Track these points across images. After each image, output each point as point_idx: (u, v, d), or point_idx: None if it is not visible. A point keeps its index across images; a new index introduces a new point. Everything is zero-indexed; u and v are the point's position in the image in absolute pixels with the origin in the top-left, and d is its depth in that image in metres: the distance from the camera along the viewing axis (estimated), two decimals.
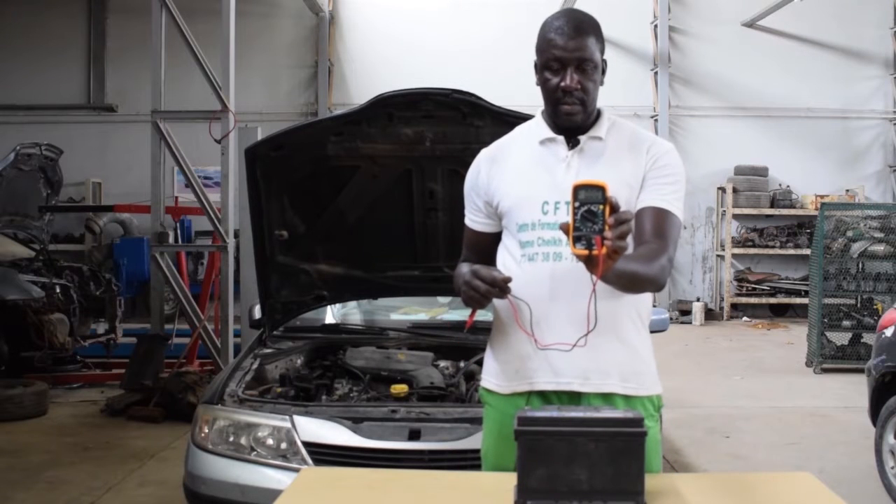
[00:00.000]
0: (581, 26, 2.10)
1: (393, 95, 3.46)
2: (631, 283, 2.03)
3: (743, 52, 13.48)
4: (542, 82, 2.15)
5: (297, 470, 2.78)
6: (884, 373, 4.86)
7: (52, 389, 6.89)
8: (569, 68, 2.09)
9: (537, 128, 2.23)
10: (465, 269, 2.24)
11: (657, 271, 2.03)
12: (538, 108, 2.30)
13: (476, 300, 2.06)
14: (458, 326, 4.54)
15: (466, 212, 2.35)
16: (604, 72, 2.16)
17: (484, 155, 2.32)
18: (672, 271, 2.26)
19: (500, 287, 2.03)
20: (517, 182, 2.20)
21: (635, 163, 2.17)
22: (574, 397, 2.15)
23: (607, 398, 2.15)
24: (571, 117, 2.14)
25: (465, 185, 2.35)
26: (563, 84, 2.10)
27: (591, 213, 1.74)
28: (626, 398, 2.16)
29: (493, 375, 2.27)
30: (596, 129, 2.18)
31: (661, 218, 2.13)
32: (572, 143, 2.18)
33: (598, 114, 2.21)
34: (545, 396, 2.17)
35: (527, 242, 2.16)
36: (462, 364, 4.07)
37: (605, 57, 2.16)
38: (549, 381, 2.15)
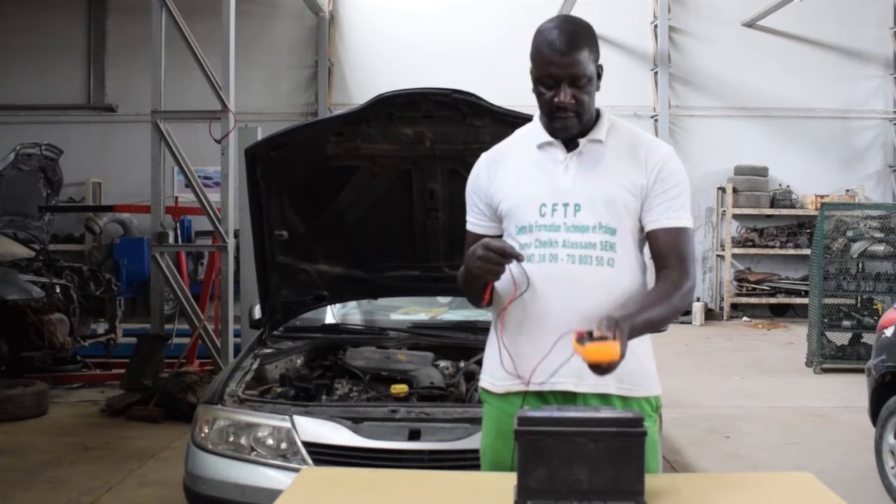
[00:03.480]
0: (574, 40, 2.07)
1: (393, 95, 3.46)
2: (655, 328, 2.12)
3: (743, 52, 13.48)
4: (537, 94, 2.15)
5: (297, 470, 2.78)
6: (884, 373, 4.86)
7: (52, 389, 6.89)
8: (563, 84, 2.08)
9: (535, 131, 2.23)
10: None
11: (678, 303, 2.14)
12: (538, 107, 2.30)
13: (491, 271, 2.05)
14: (458, 326, 4.54)
15: (469, 216, 2.34)
16: (600, 76, 2.15)
17: (484, 158, 2.33)
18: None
19: (514, 255, 2.04)
20: (516, 184, 2.21)
21: (636, 169, 2.16)
22: (569, 397, 2.14)
23: (604, 399, 2.14)
24: (567, 131, 2.15)
25: (467, 189, 2.34)
26: (556, 100, 2.10)
27: None
28: (623, 399, 2.16)
29: (490, 375, 2.27)
30: (595, 131, 2.18)
31: (675, 238, 2.18)
32: (571, 145, 2.18)
33: (598, 115, 2.20)
34: (542, 396, 2.16)
35: (525, 244, 2.16)
36: (462, 364, 4.07)
37: (600, 62, 2.14)
38: (544, 382, 2.13)
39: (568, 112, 2.10)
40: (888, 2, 13.73)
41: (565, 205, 2.15)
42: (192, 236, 11.70)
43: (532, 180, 2.19)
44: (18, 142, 8.88)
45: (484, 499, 1.88)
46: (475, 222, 2.32)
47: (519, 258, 2.06)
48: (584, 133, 2.18)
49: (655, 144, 2.24)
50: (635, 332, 2.00)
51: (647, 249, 2.26)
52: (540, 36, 2.12)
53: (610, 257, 2.14)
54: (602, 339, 1.84)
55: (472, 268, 2.09)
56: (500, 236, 2.27)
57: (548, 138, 2.19)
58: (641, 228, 2.21)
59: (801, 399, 7.38)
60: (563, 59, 2.06)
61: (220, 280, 7.40)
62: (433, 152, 3.68)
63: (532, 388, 2.15)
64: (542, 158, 2.20)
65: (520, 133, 2.32)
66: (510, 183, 2.22)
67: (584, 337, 1.86)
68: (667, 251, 2.17)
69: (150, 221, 7.54)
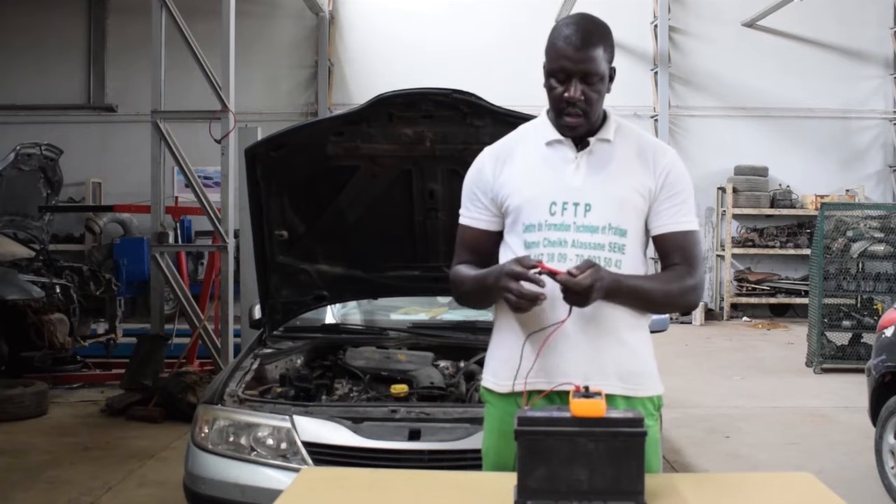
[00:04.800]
0: (590, 37, 2.08)
1: (393, 95, 3.46)
2: (643, 302, 2.13)
3: (743, 52, 13.48)
4: (548, 89, 2.15)
5: (297, 470, 2.77)
6: (884, 373, 4.86)
7: (52, 389, 6.89)
8: (574, 79, 2.08)
9: (543, 128, 2.23)
10: (467, 271, 2.23)
11: (675, 291, 2.16)
12: (538, 107, 2.29)
13: (523, 307, 2.04)
14: (458, 326, 4.54)
15: (466, 212, 2.30)
16: (612, 79, 2.16)
17: (488, 152, 2.30)
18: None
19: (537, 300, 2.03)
20: (526, 181, 2.19)
21: (644, 172, 2.18)
22: None
23: (608, 399, 2.13)
24: (573, 129, 2.15)
25: (466, 183, 2.31)
26: (566, 95, 2.10)
27: None
28: (627, 399, 2.16)
29: (493, 374, 2.26)
30: (604, 131, 2.19)
31: (683, 239, 2.20)
32: (581, 144, 2.18)
33: (605, 115, 2.21)
34: (546, 396, 2.16)
35: (532, 243, 2.16)
36: (462, 364, 4.06)
37: (613, 66, 2.15)
38: (548, 382, 2.13)
39: (576, 108, 2.10)
40: (888, 2, 13.73)
41: (576, 204, 2.14)
42: (192, 236, 11.70)
43: (542, 178, 2.18)
44: (18, 142, 8.87)
45: (484, 499, 1.88)
46: (476, 217, 2.28)
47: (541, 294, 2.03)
48: (591, 133, 2.18)
49: (661, 148, 2.26)
50: (622, 292, 2.06)
51: (650, 250, 2.26)
52: (556, 31, 2.12)
53: (618, 259, 2.14)
54: (594, 395, 1.84)
55: (479, 294, 2.22)
56: (500, 233, 2.27)
57: (557, 136, 2.19)
58: (646, 230, 2.22)
59: (801, 399, 7.38)
60: (577, 54, 2.07)
61: (220, 280, 7.40)
62: (433, 152, 3.68)
63: (536, 387, 2.14)
64: (551, 156, 2.20)
65: (525, 129, 2.31)
66: (519, 179, 2.20)
67: (581, 391, 1.86)
68: (674, 250, 2.20)
69: (150, 221, 7.54)
